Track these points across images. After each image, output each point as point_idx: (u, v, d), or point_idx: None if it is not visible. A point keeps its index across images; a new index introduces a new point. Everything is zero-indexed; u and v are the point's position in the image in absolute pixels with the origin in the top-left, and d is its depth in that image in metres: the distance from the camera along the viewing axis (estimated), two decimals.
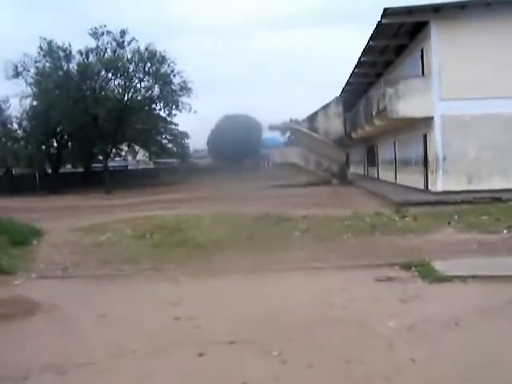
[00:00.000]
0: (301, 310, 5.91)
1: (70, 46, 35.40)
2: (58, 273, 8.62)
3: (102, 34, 34.98)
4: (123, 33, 35.29)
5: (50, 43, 35.04)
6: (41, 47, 35.08)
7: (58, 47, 35.18)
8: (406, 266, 7.62)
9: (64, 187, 36.84)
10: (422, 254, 8.27)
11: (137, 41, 35.73)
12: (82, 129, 36.48)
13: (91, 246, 10.79)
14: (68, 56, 35.54)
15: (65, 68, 35.51)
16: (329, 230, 11.34)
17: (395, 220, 12.43)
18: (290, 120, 41.79)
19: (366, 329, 5.20)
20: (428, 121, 17.76)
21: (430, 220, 12.25)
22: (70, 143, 41.98)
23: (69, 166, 45.80)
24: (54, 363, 4.58)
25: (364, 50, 22.41)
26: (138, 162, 54.62)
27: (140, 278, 8.01)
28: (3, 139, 39.66)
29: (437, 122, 17.47)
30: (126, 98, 36.66)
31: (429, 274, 7.09)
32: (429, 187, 18.38)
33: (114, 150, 41.16)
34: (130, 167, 55.26)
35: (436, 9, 17.13)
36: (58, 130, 39.10)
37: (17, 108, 40.22)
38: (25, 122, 39.85)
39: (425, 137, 18.81)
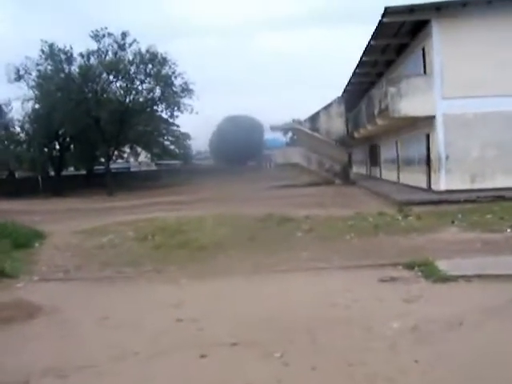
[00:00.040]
0: (303, 311, 5.86)
1: (71, 48, 35.45)
2: (59, 275, 8.60)
3: (104, 36, 35.01)
4: (124, 35, 35.29)
5: (51, 46, 35.05)
6: (42, 50, 35.11)
7: (60, 50, 35.18)
8: (410, 266, 7.56)
9: (66, 190, 36.86)
10: (425, 254, 8.20)
11: (138, 43, 35.77)
12: (84, 131, 36.54)
13: (93, 248, 10.77)
14: (69, 58, 35.55)
15: (66, 71, 35.50)
16: (332, 230, 11.29)
17: (398, 220, 12.37)
18: (292, 120, 41.82)
19: (369, 330, 5.15)
20: (430, 120, 17.69)
21: (433, 219, 12.19)
22: (72, 146, 42.00)
23: (71, 168, 45.89)
24: (54, 367, 4.55)
25: (365, 49, 22.36)
26: (140, 163, 54.60)
27: (141, 280, 7.98)
28: (6, 142, 39.69)
29: (439, 121, 17.41)
30: (127, 100, 36.64)
31: (432, 274, 7.03)
32: (432, 186, 18.30)
33: (116, 152, 41.19)
34: (132, 169, 55.26)
35: (437, 7, 17.07)
36: (60, 132, 39.11)
37: (19, 111, 40.39)
38: (27, 125, 39.91)
39: (427, 136, 18.73)
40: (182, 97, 37.45)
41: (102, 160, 40.68)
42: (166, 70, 36.38)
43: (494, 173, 16.98)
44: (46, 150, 39.86)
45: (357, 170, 40.17)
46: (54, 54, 35.13)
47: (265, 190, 28.28)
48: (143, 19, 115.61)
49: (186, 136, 47.00)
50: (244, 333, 5.22)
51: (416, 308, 5.81)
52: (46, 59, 35.44)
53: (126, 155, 45.91)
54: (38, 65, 35.77)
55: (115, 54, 35.62)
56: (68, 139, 40.81)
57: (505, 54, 16.59)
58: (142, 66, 36.08)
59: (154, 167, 56.65)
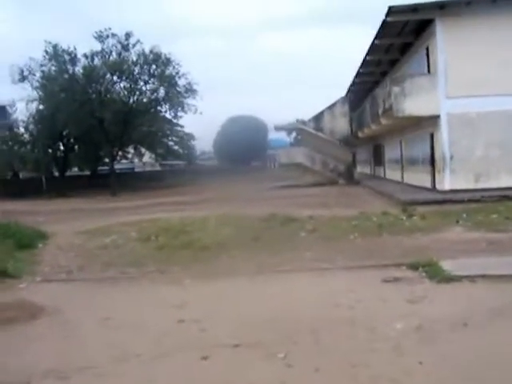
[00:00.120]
0: (307, 312, 5.82)
1: (75, 49, 35.57)
2: (62, 276, 8.59)
3: (107, 36, 35.10)
4: (128, 35, 35.35)
5: (55, 47, 35.17)
6: (46, 51, 35.23)
7: (64, 51, 35.29)
8: (414, 266, 7.51)
9: (70, 190, 36.91)
10: (429, 254, 8.14)
11: (141, 43, 35.85)
12: (88, 132, 36.61)
13: (96, 248, 10.77)
14: (73, 59, 35.65)
15: (70, 71, 35.60)
16: (335, 230, 11.25)
17: (402, 219, 12.32)
18: (296, 120, 41.76)
19: (372, 331, 5.11)
20: (434, 119, 17.62)
21: (437, 219, 12.13)
22: (76, 146, 42.14)
23: (75, 169, 45.96)
24: (56, 368, 4.53)
25: (369, 48, 22.30)
26: (144, 164, 54.67)
27: (144, 280, 7.96)
28: (10, 143, 39.85)
29: (443, 120, 17.34)
30: (131, 101, 36.70)
31: (437, 274, 6.97)
32: (436, 186, 18.23)
33: (120, 153, 41.21)
34: (136, 169, 55.32)
35: (441, 6, 17.02)
36: (64, 133, 39.22)
37: (23, 112, 40.62)
38: (31, 126, 40.05)
39: (431, 135, 18.66)
40: (185, 97, 37.50)
41: (106, 160, 40.78)
42: (169, 71, 36.43)
43: (499, 172, 16.90)
44: (50, 150, 40.00)
45: (361, 169, 40.10)
46: (58, 55, 35.25)
47: (269, 190, 28.25)
48: (143, 19, 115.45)
49: (190, 136, 46.99)
50: (247, 333, 5.19)
51: (420, 308, 5.76)
52: (50, 60, 35.58)
53: (130, 156, 45.97)
54: (41, 66, 35.97)
55: (119, 54, 35.69)
56: (72, 140, 40.94)
57: (509, 53, 16.51)
58: (145, 67, 36.14)
59: (158, 167, 56.70)
